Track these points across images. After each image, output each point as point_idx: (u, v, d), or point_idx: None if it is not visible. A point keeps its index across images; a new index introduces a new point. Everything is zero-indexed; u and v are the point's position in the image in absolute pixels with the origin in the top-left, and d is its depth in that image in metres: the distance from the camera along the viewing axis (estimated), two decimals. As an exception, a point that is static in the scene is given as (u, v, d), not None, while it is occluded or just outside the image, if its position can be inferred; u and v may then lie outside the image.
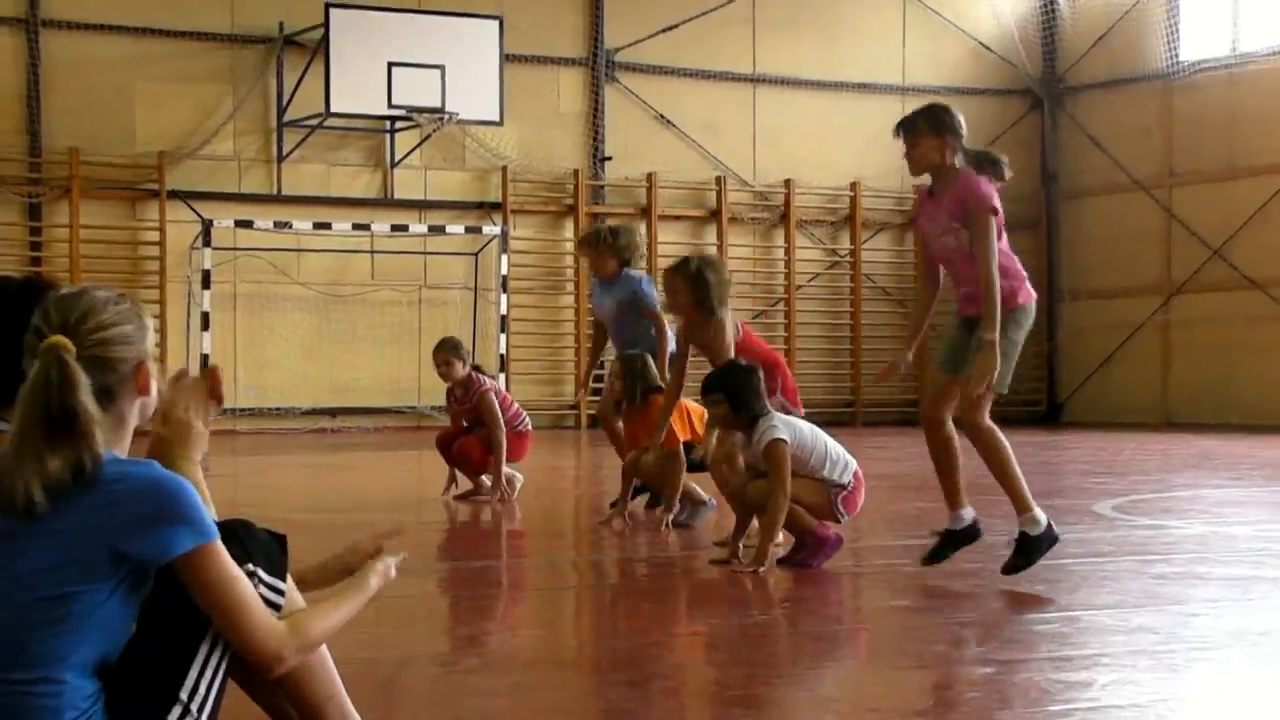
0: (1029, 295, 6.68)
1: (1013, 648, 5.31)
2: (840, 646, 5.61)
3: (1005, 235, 6.64)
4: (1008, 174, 6.70)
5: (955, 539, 6.84)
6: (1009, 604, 6.17)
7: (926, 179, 6.84)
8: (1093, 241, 25.68)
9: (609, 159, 23.72)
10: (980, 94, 25.57)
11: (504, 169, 22.91)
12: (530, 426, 11.25)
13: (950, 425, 6.72)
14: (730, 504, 7.64)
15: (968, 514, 6.83)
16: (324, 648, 3.36)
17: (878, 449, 17.71)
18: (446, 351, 11.04)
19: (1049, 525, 6.68)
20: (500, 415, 10.84)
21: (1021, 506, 6.68)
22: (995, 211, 6.51)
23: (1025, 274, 6.79)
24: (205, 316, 20.94)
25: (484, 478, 11.04)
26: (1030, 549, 6.65)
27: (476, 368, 11.22)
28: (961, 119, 6.66)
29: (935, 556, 6.82)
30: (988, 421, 6.58)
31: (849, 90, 24.96)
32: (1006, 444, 6.65)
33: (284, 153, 21.75)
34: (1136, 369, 24.86)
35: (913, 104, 27.40)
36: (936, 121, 6.62)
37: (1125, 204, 25.02)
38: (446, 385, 11.19)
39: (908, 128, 6.67)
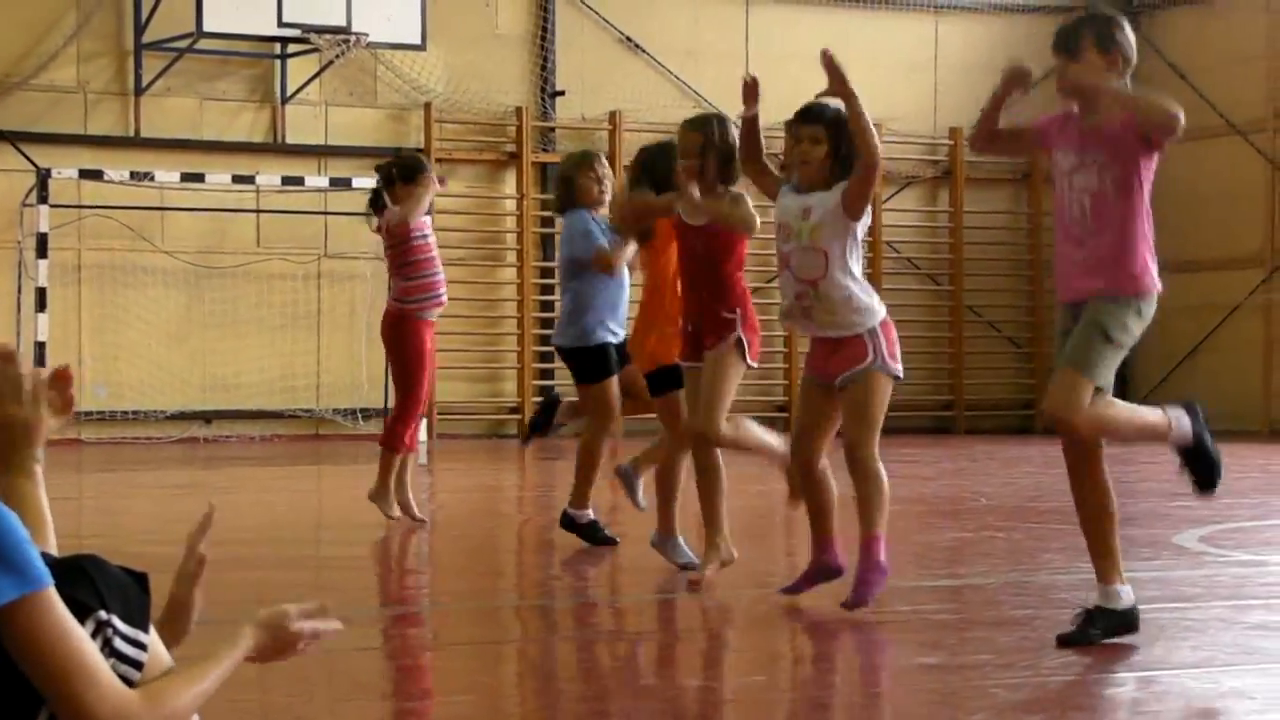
0: (1156, 285, 6.86)
1: (1072, 718, 5.34)
2: (853, 717, 5.64)
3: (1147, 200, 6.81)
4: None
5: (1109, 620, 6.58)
6: (1067, 663, 6.20)
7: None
8: (1175, 201, 25.72)
9: (561, 94, 23.71)
10: (1034, 12, 25.61)
11: (426, 106, 22.88)
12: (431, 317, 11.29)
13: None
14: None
15: (1125, 592, 6.59)
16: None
17: (905, 462, 17.76)
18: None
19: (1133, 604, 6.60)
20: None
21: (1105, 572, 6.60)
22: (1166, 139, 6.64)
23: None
24: (41, 293, 20.85)
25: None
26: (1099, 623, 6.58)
27: None
28: (1133, 40, 6.78)
29: (1078, 639, 6.62)
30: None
31: (868, 7, 25.00)
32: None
33: (143, 84, 21.67)
34: (1231, 361, 24.96)
35: (948, 25, 27.68)
36: (1105, 37, 6.71)
37: (1217, 153, 25.10)
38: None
39: (1068, 41, 6.73)
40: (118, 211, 21.40)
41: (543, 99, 23.64)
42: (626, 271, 10.03)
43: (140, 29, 21.48)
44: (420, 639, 7.24)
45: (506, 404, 23.42)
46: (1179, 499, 13.15)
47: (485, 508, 13.33)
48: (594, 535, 9.95)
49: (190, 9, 20.48)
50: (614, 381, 9.98)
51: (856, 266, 7.48)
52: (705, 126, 8.33)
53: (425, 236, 11.24)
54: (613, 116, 23.67)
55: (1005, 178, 26.08)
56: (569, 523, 10.02)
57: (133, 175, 21.09)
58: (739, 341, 8.17)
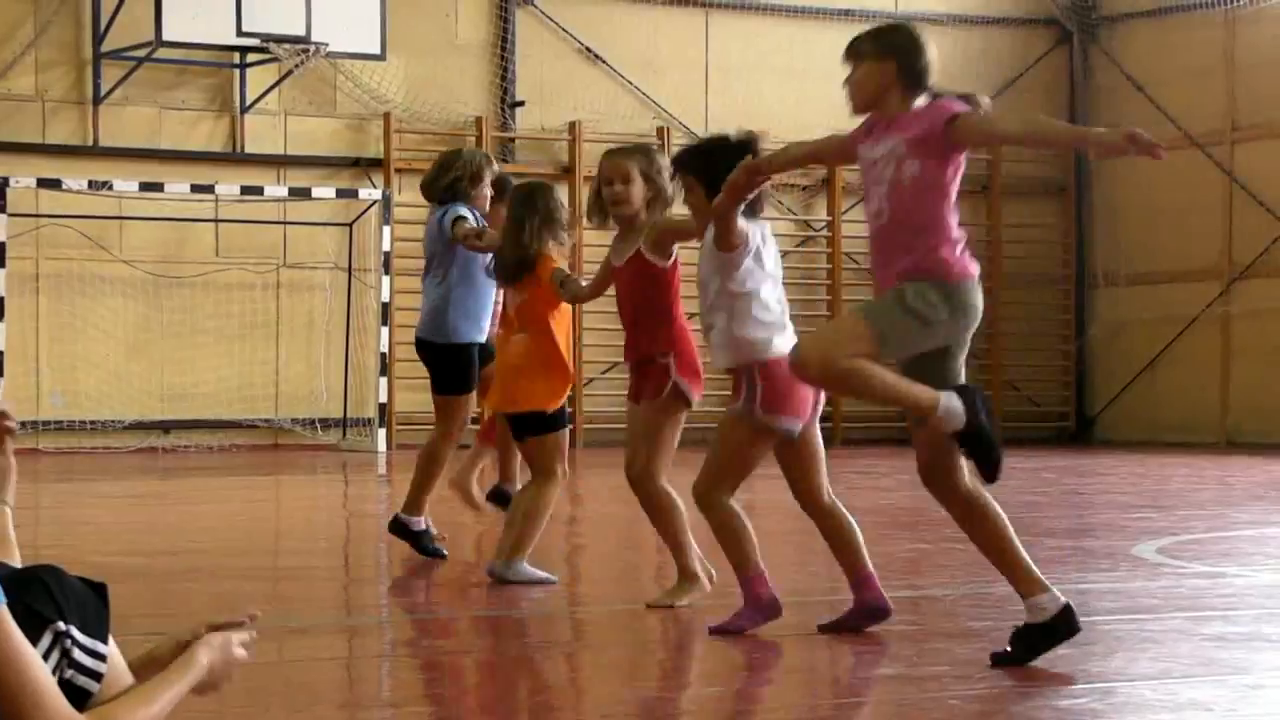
0: (968, 274, 6.50)
1: (1031, 728, 5.36)
2: (813, 727, 5.64)
3: (954, 198, 6.58)
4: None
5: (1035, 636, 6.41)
6: (1026, 674, 6.22)
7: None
8: (1134, 213, 25.87)
9: (521, 104, 23.70)
10: (993, 24, 25.69)
11: (386, 116, 22.85)
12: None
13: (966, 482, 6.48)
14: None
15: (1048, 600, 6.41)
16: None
17: (863, 474, 17.79)
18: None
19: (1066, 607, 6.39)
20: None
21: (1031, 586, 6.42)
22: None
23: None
24: (-1, 302, 20.78)
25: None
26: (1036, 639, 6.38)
27: None
28: (929, 52, 6.59)
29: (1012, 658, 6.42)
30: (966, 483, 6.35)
31: (827, 18, 25.04)
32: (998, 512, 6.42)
33: (102, 92, 21.60)
34: (1189, 374, 25.06)
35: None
36: (884, 41, 6.59)
37: (1174, 166, 25.15)
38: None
39: (850, 48, 6.65)
40: (76, 221, 21.33)
41: (502, 109, 23.63)
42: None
43: (99, 38, 21.42)
44: (378, 649, 7.22)
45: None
46: (1137, 511, 13.21)
47: (443, 518, 13.29)
48: (423, 545, 9.91)
49: (149, 18, 20.44)
50: (471, 397, 9.95)
51: (749, 302, 7.23)
52: (635, 156, 8.10)
53: None
54: (572, 127, 23.67)
55: (965, 188, 25.88)
56: (399, 528, 9.96)
57: (91, 184, 21.02)
58: (675, 388, 7.81)
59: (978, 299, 6.48)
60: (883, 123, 6.62)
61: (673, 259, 7.96)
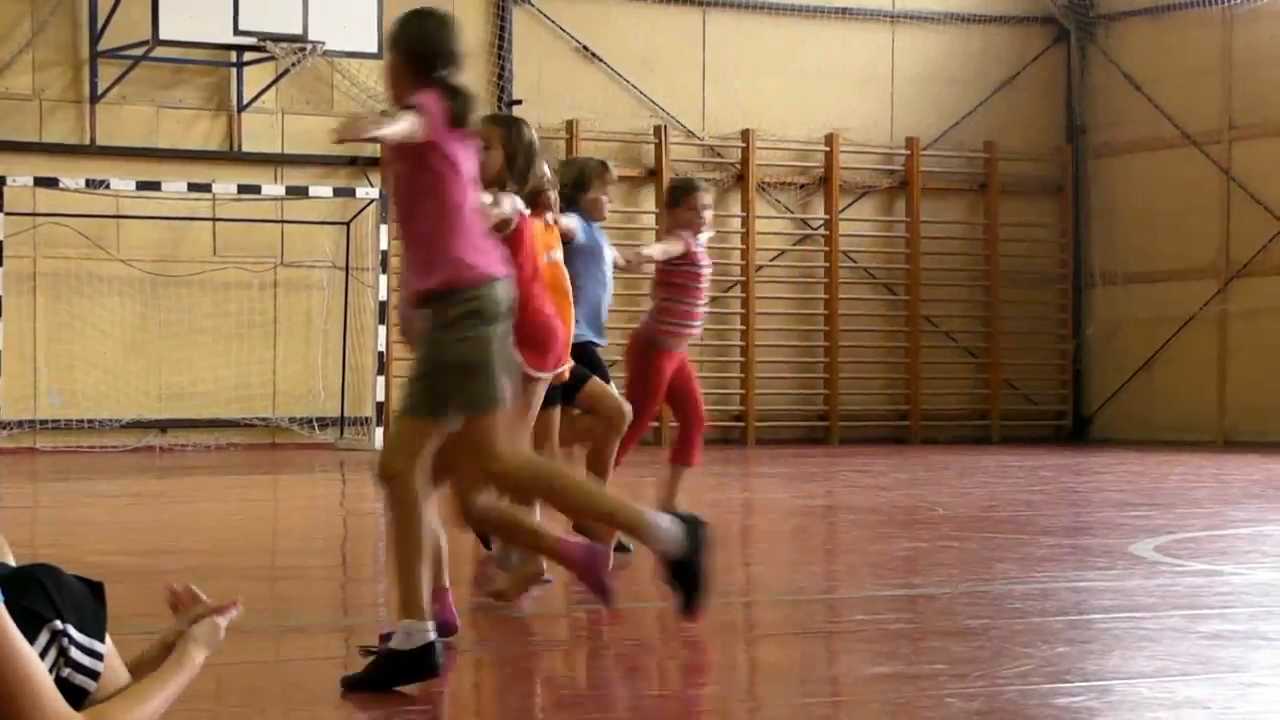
0: (495, 271, 6.12)
1: (1027, 727, 5.35)
2: (810, 726, 5.65)
3: (465, 189, 6.09)
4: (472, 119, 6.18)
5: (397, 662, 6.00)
6: (1022, 673, 6.23)
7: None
8: (1131, 212, 25.87)
9: (518, 103, 23.70)
10: (990, 22, 25.69)
11: (383, 114, 22.81)
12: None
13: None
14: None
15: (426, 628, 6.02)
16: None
17: (860, 473, 17.80)
18: None
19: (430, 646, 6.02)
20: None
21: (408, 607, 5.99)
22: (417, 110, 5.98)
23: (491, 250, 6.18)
24: (-3, 302, 20.77)
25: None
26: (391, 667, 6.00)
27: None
28: (439, 38, 6.18)
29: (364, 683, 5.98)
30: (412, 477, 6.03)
31: (824, 17, 25.04)
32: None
33: (99, 91, 21.59)
34: (1186, 373, 25.06)
35: (905, 36, 27.78)
36: (394, 30, 6.24)
37: (1173, 164, 25.22)
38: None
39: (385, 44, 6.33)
40: (73, 219, 21.33)
41: (499, 108, 23.62)
42: (609, 269, 9.55)
43: (96, 37, 21.41)
44: (374, 649, 7.21)
45: (463, 413, 23.40)
46: (1134, 509, 13.22)
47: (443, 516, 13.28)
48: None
49: (146, 17, 20.43)
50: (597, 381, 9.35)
51: None
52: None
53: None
54: (570, 125, 23.66)
55: (962, 187, 26.13)
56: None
57: (88, 183, 21.01)
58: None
59: (495, 299, 6.04)
60: None
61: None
